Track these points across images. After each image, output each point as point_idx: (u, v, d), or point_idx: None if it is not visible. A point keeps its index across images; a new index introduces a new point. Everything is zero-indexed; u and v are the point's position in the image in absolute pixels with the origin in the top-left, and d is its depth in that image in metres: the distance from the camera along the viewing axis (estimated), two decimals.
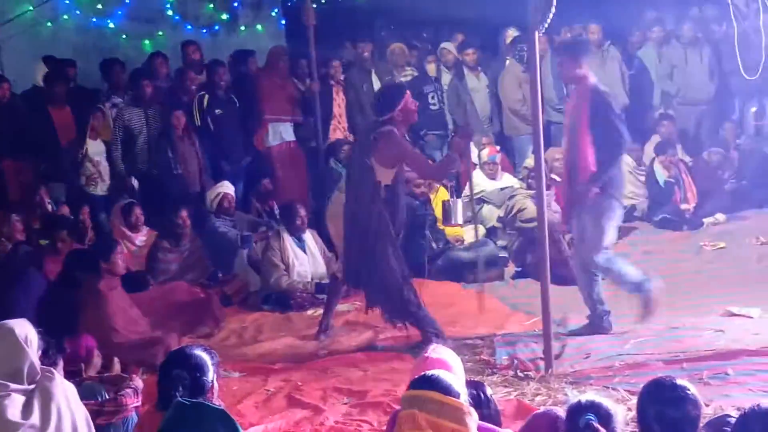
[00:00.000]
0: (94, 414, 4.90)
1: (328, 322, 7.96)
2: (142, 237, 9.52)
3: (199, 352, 4.33)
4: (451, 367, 4.03)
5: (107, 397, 5.20)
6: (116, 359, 5.69)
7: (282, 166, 11.08)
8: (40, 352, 4.20)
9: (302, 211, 9.25)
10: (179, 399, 4.09)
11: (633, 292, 7.34)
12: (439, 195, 10.02)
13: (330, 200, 8.10)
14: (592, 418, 3.81)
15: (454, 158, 7.45)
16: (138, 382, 5.46)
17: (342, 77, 11.46)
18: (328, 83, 11.23)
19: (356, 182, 7.34)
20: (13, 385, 3.97)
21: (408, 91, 7.49)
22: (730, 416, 4.09)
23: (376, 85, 11.34)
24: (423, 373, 3.66)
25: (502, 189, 10.48)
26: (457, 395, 3.50)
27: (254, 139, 11.04)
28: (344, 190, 7.50)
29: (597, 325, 7.35)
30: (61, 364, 4.79)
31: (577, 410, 3.91)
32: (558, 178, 10.36)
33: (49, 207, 9.64)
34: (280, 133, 11.09)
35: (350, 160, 7.86)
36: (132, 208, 9.52)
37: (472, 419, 3.50)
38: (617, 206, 7.36)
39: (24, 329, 4.12)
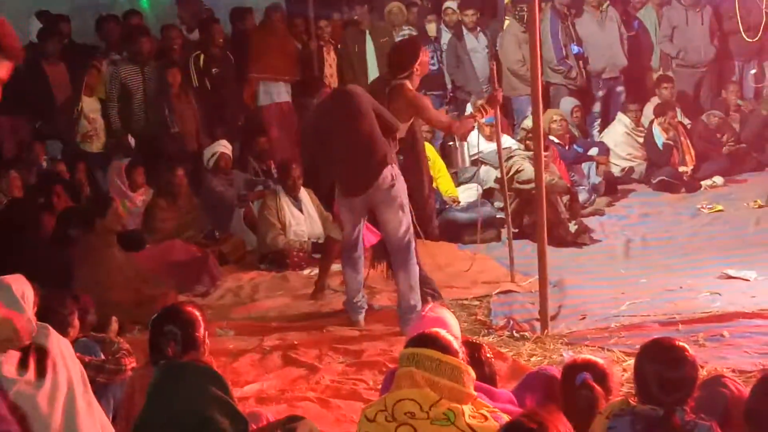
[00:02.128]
0: (95, 371, 4.90)
1: (324, 281, 7.96)
2: (141, 197, 9.51)
3: (190, 308, 4.35)
4: (448, 326, 4.01)
5: (102, 356, 5.19)
6: (114, 319, 5.65)
7: (274, 127, 11.00)
8: (35, 309, 4.19)
9: (296, 171, 9.19)
10: (165, 361, 4.08)
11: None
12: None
13: None
14: (588, 376, 3.82)
15: (474, 116, 7.45)
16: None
17: (330, 37, 11.37)
18: (318, 43, 11.16)
19: None
20: None
21: (422, 45, 7.43)
22: (724, 377, 4.10)
23: (369, 46, 11.26)
24: (421, 332, 3.63)
25: None
26: (455, 354, 3.49)
27: (244, 97, 10.96)
28: None
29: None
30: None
31: (573, 368, 3.91)
32: (556, 140, 10.34)
33: (45, 164, 9.60)
34: (271, 93, 11.02)
35: None
36: (134, 169, 9.52)
37: (470, 378, 3.48)
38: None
39: (20, 285, 4.09)
